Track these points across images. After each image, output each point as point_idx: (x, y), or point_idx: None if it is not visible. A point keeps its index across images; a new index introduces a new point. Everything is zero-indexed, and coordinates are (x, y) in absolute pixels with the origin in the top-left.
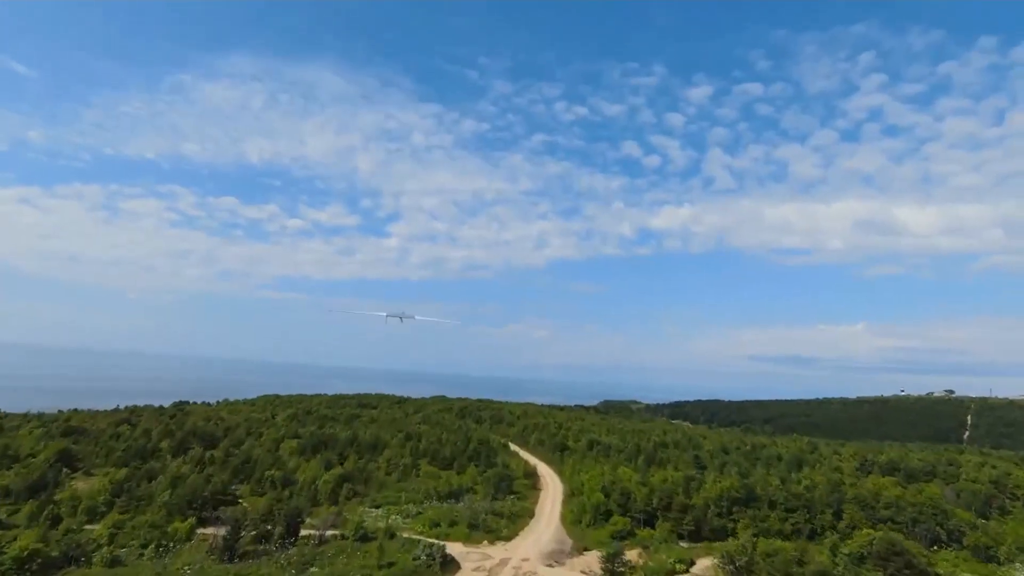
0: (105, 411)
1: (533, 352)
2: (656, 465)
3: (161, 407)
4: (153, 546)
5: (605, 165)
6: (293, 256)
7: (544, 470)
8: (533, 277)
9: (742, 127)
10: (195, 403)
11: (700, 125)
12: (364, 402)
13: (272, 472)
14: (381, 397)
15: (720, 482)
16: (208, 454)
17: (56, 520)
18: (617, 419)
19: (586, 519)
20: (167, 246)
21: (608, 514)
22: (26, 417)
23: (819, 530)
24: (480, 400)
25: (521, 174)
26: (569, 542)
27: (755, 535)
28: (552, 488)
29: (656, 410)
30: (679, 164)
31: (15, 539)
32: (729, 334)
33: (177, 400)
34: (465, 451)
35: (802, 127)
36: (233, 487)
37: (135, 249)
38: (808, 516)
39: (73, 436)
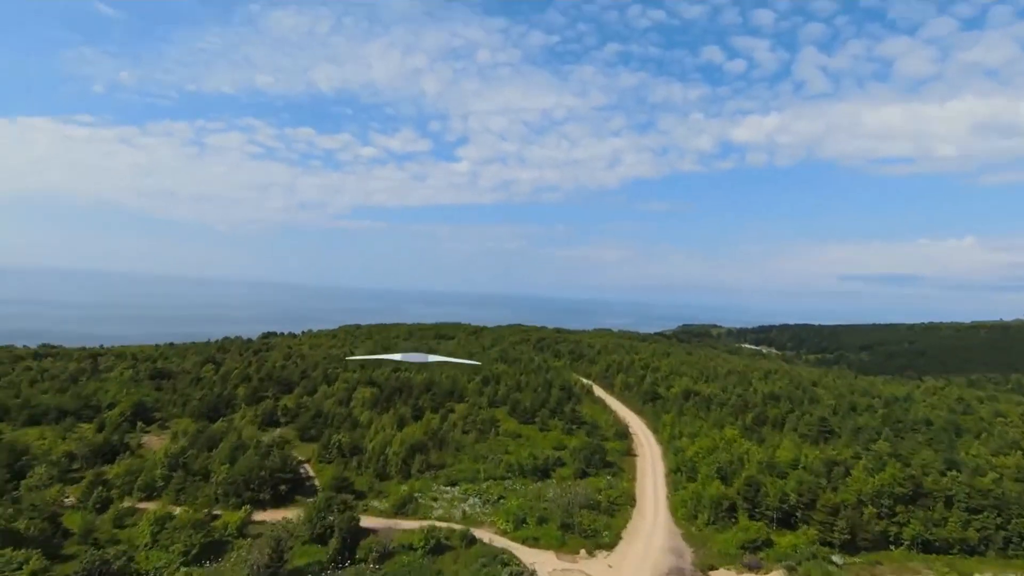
0: (197, 344)
1: (606, 273)
2: (769, 426)
3: (249, 340)
4: (191, 562)
5: (683, 73)
6: (367, 184)
7: (636, 425)
8: (605, 197)
9: (841, 21)
10: (280, 334)
11: (792, 22)
12: (441, 332)
13: (340, 436)
14: (458, 327)
15: (877, 474)
16: (281, 405)
17: (106, 503)
18: (704, 352)
19: (704, 516)
20: (250, 179)
21: (731, 509)
22: (121, 356)
23: (1016, 540)
24: (557, 331)
25: (592, 88)
26: (688, 553)
27: (921, 543)
28: (650, 454)
29: (739, 335)
30: (767, 68)
31: (27, 561)
32: (817, 251)
33: (264, 332)
34: (546, 401)
35: (914, 16)
36: (296, 450)
37: (222, 183)
38: (1000, 520)
39: (157, 380)
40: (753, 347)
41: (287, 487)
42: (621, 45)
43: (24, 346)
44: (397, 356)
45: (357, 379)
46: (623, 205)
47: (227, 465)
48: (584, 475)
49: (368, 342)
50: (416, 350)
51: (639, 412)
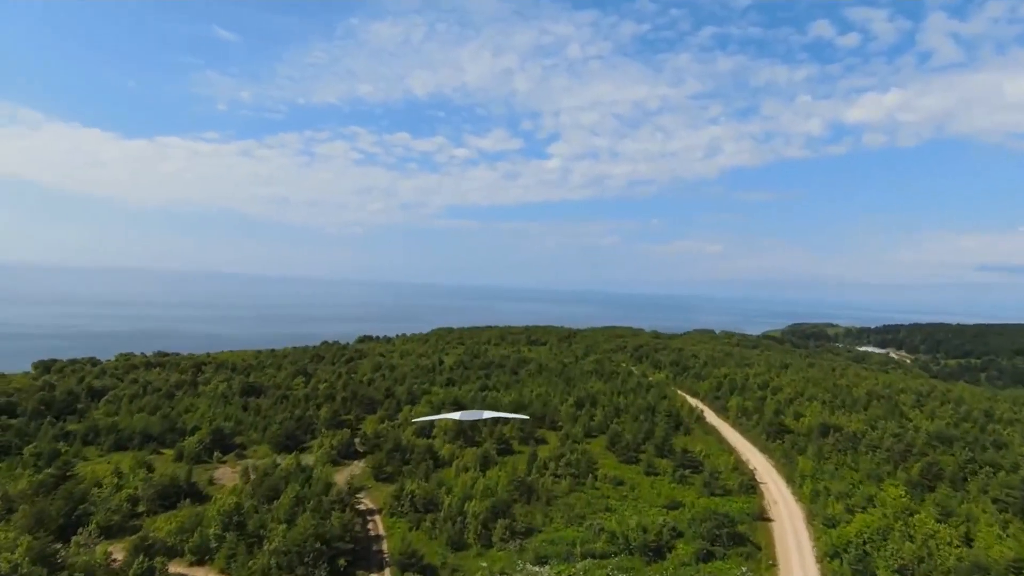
0: (296, 350)
1: (704, 269)
2: (947, 484)
3: (344, 346)
4: None
5: (788, 53)
6: (461, 184)
7: (761, 467)
8: (703, 189)
9: None
10: (376, 339)
11: None
12: (533, 337)
13: (414, 486)
14: (549, 331)
15: None
16: (361, 432)
17: (150, 572)
18: (827, 360)
19: None
20: (353, 184)
21: None
22: (221, 366)
23: None
24: (656, 335)
25: (687, 76)
26: None
27: None
28: (788, 518)
29: (860, 336)
30: (885, 40)
31: None
32: (947, 240)
33: (360, 336)
34: (651, 433)
35: None
36: (370, 493)
37: (330, 188)
38: None
39: (246, 398)
40: (879, 350)
41: (347, 560)
42: (718, 28)
43: (142, 353)
44: (456, 415)
45: (442, 400)
46: (721, 197)
47: (284, 526)
48: (708, 556)
49: (459, 348)
50: (506, 362)
51: (763, 448)
